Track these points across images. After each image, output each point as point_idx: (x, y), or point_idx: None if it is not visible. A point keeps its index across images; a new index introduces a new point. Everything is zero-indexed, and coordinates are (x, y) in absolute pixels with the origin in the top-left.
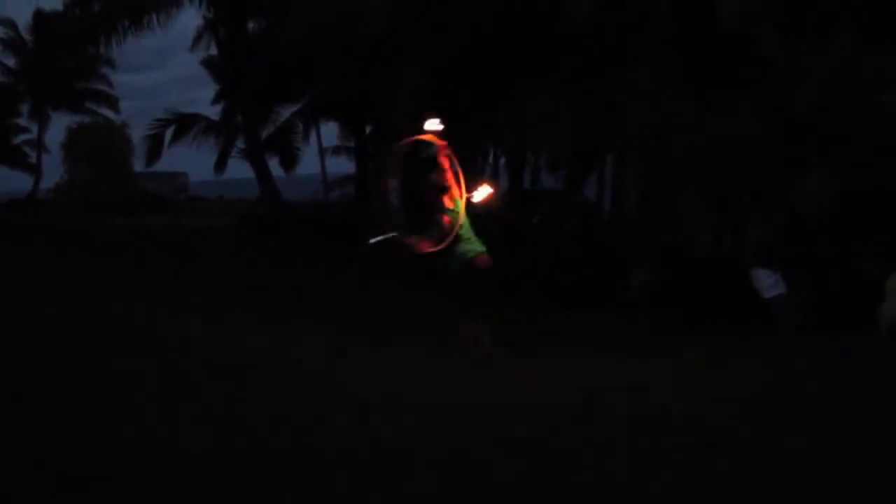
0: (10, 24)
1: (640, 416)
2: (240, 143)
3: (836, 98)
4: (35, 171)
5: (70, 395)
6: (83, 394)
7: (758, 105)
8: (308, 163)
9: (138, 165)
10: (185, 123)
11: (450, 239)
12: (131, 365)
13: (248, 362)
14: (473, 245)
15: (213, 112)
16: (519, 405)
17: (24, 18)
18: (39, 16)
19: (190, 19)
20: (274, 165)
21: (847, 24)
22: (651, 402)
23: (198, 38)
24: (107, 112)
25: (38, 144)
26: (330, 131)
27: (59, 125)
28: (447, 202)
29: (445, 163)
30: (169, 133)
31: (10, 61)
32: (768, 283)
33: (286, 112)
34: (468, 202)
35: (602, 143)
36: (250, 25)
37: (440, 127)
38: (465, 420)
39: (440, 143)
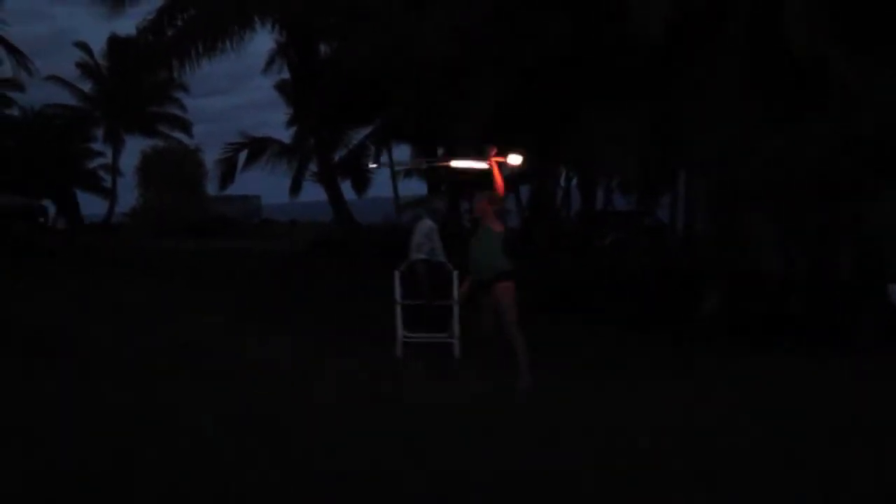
0: (86, 48)
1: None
2: (313, 166)
3: None
4: (110, 195)
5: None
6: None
7: (828, 126)
8: (380, 185)
9: (211, 189)
10: (257, 147)
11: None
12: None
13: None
14: (492, 264)
15: (286, 136)
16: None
17: (98, 43)
18: (114, 41)
19: (262, 43)
20: (346, 188)
21: None
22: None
23: (270, 62)
24: (180, 136)
25: (113, 168)
26: (402, 153)
27: (134, 149)
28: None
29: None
30: (242, 157)
31: (86, 86)
32: None
33: (358, 135)
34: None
35: (672, 165)
36: (321, 49)
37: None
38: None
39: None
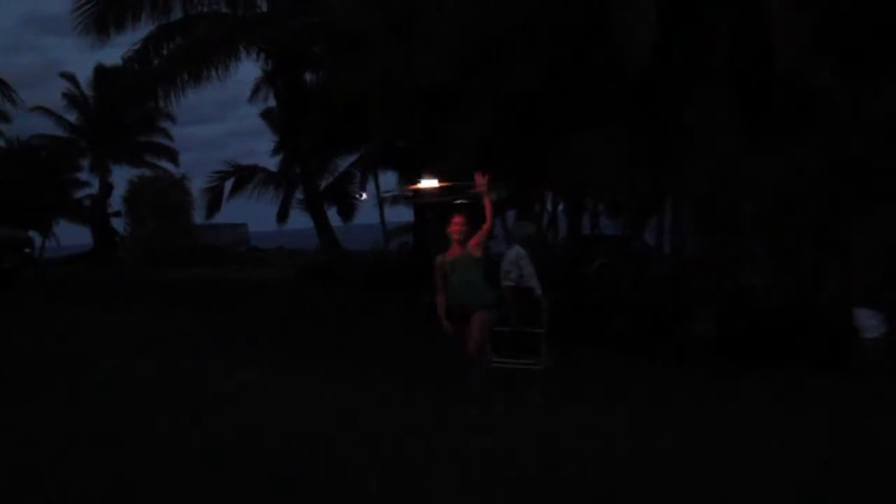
0: (72, 79)
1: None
2: (300, 194)
3: (894, 141)
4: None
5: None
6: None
7: (816, 147)
8: (367, 212)
9: (198, 217)
10: (244, 175)
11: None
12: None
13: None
14: (481, 293)
15: (272, 164)
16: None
17: (85, 74)
18: (100, 71)
19: (248, 72)
20: (333, 215)
21: None
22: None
23: (256, 91)
24: (167, 165)
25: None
26: (388, 180)
27: (120, 179)
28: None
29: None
30: (228, 185)
31: (72, 116)
32: (871, 323)
33: (344, 162)
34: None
35: (660, 188)
36: (307, 77)
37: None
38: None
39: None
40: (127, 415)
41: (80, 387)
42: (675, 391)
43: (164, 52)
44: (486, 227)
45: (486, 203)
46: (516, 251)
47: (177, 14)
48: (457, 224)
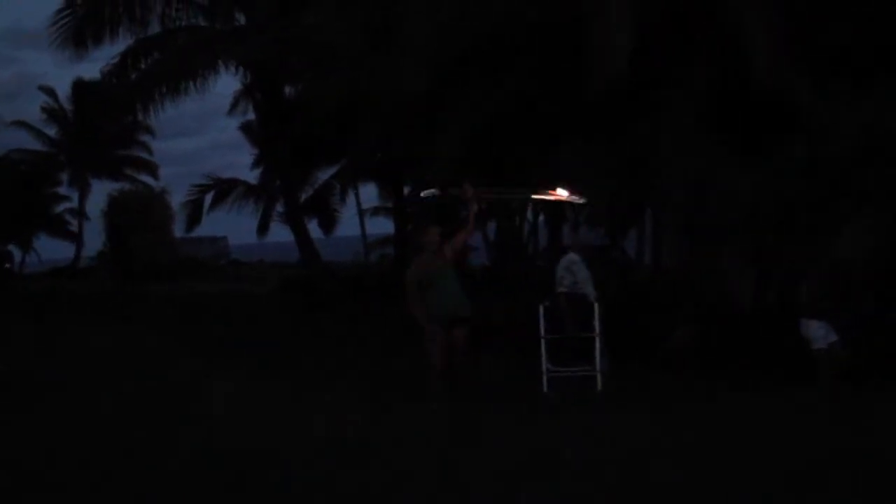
0: (51, 92)
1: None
2: (280, 207)
3: (869, 154)
4: (77, 239)
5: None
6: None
7: (793, 160)
8: (348, 224)
9: (179, 231)
10: (224, 188)
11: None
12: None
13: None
14: (460, 302)
15: (252, 176)
16: None
17: (64, 87)
18: (79, 84)
19: (227, 85)
20: (314, 228)
21: (881, 79)
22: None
23: (235, 104)
24: (147, 179)
25: (80, 213)
26: (369, 192)
27: (100, 193)
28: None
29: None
30: (208, 198)
31: (51, 130)
32: (819, 333)
33: (324, 174)
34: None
35: (640, 199)
36: (287, 90)
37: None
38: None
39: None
40: (129, 418)
41: (75, 398)
42: (662, 397)
43: (143, 66)
44: (464, 235)
45: (471, 213)
46: (570, 257)
47: (154, 28)
48: (431, 234)
